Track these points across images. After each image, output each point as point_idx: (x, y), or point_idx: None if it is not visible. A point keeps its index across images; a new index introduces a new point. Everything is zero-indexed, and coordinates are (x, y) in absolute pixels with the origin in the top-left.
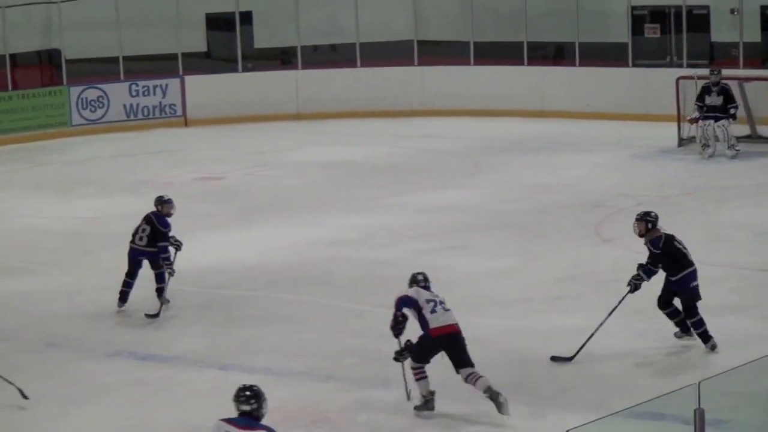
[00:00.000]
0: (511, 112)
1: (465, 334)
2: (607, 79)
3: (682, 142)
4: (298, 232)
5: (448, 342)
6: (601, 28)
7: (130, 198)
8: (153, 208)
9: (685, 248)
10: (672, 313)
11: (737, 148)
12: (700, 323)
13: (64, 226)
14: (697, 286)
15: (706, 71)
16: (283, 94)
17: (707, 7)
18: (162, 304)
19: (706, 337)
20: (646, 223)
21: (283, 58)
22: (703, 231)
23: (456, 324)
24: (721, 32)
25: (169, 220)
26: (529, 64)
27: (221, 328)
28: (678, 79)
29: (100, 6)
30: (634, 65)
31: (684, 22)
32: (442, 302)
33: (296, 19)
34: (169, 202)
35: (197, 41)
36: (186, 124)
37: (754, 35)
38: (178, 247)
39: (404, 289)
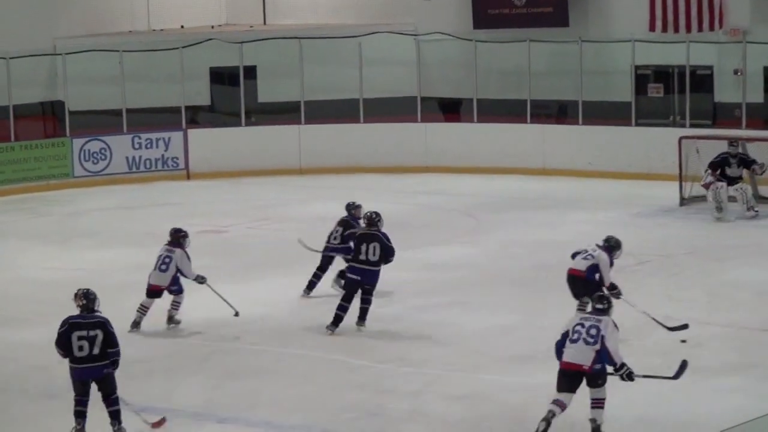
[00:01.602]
0: (514, 170)
1: (465, 390)
2: (610, 137)
3: (683, 201)
4: (301, 286)
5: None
6: (604, 86)
7: (131, 250)
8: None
9: None
10: None
11: (756, 209)
12: None
13: (65, 277)
14: None
15: (708, 131)
16: (286, 148)
17: (711, 68)
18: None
19: None
20: None
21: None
22: (704, 290)
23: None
24: (724, 92)
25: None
26: (532, 121)
27: (221, 381)
28: (680, 138)
29: (104, 59)
30: (637, 124)
31: (687, 82)
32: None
33: (300, 74)
34: (360, 206)
35: (201, 95)
36: (188, 177)
37: (757, 96)
38: None
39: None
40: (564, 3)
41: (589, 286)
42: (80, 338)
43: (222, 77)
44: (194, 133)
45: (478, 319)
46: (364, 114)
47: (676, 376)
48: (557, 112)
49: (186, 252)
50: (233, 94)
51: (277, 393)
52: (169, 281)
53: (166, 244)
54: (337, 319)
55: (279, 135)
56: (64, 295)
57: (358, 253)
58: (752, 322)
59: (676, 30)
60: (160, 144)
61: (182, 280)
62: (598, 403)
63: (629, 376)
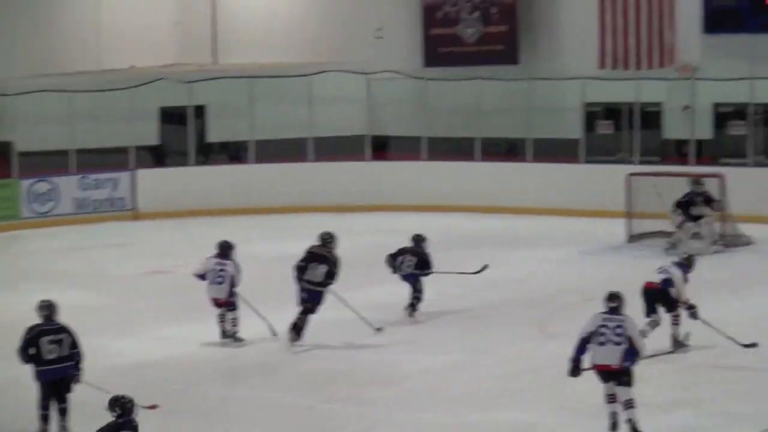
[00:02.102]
0: (463, 208)
1: (408, 430)
2: (559, 175)
3: (632, 238)
4: (249, 325)
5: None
6: (554, 124)
7: (79, 292)
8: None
9: None
10: None
11: (720, 243)
12: None
13: (11, 319)
14: None
15: (657, 168)
16: (235, 188)
17: (660, 104)
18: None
19: None
20: None
21: (234, 154)
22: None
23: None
24: (673, 129)
25: None
26: (482, 159)
27: (167, 423)
28: (629, 175)
29: (53, 99)
30: (587, 161)
31: (637, 118)
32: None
33: (250, 114)
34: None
35: (150, 134)
36: (136, 217)
37: (706, 132)
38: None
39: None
40: (514, 41)
41: (664, 298)
42: (50, 342)
43: (172, 117)
44: (143, 173)
45: (424, 358)
46: (314, 153)
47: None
48: (507, 150)
49: (237, 263)
50: (183, 134)
51: None
52: (227, 293)
53: (215, 257)
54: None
55: (228, 174)
56: (10, 338)
57: (303, 271)
58: (698, 359)
59: (626, 67)
60: (109, 184)
61: None
62: (629, 404)
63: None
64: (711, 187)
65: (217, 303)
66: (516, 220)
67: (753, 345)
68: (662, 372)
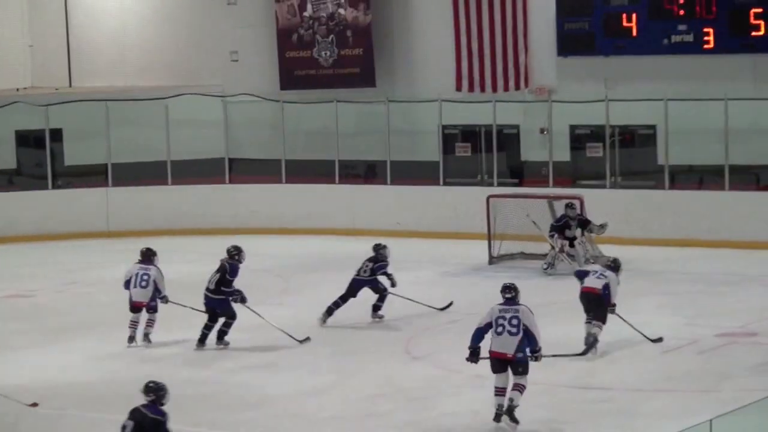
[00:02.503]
0: (323, 230)
1: None
2: (418, 197)
3: (492, 260)
4: (108, 349)
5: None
6: (412, 146)
7: None
8: None
9: None
10: None
11: (592, 261)
12: None
13: None
14: None
15: (516, 190)
16: (93, 211)
17: (517, 127)
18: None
19: None
20: None
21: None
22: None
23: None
24: (531, 151)
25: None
26: (340, 182)
27: None
28: (488, 197)
29: None
30: (445, 183)
31: (494, 140)
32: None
33: (107, 137)
34: (385, 246)
35: (6, 158)
36: None
37: (563, 154)
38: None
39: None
40: (371, 64)
41: (602, 302)
42: None
43: (28, 140)
44: (0, 197)
45: (290, 381)
46: (171, 176)
47: (584, 353)
48: (365, 173)
49: (159, 269)
50: (39, 157)
51: None
52: (149, 297)
53: (138, 263)
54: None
55: (86, 198)
56: None
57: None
58: (563, 380)
59: (483, 89)
60: None
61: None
62: (518, 387)
63: (537, 359)
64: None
65: (140, 306)
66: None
67: (659, 340)
68: (528, 393)
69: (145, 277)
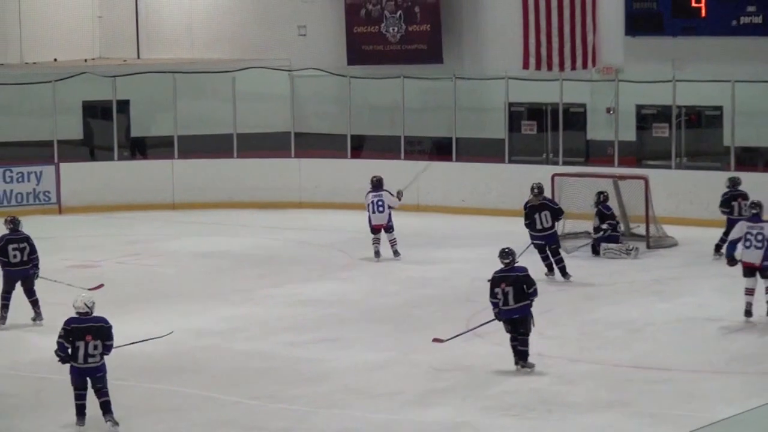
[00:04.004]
0: None
1: (335, 427)
2: (484, 174)
3: None
4: (171, 321)
5: None
6: (478, 123)
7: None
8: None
9: None
10: None
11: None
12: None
13: None
14: None
15: (581, 168)
16: (158, 183)
17: (584, 105)
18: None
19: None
20: None
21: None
22: (574, 327)
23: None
24: (597, 130)
25: None
26: (405, 158)
27: (91, 418)
28: (553, 176)
29: None
30: (511, 161)
31: (561, 119)
32: None
33: (174, 109)
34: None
35: (74, 128)
36: (60, 211)
37: (629, 134)
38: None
39: None
40: (438, 40)
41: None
42: (14, 249)
43: (95, 111)
44: (66, 167)
45: (349, 356)
46: (237, 149)
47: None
48: (431, 149)
49: (389, 191)
50: (106, 128)
51: (148, 429)
52: (386, 219)
53: (371, 192)
54: None
55: (152, 169)
56: None
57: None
58: (622, 360)
59: (550, 68)
60: (32, 178)
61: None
62: None
63: None
64: (635, 188)
65: (379, 228)
66: (440, 220)
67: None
68: (589, 373)
69: (380, 203)
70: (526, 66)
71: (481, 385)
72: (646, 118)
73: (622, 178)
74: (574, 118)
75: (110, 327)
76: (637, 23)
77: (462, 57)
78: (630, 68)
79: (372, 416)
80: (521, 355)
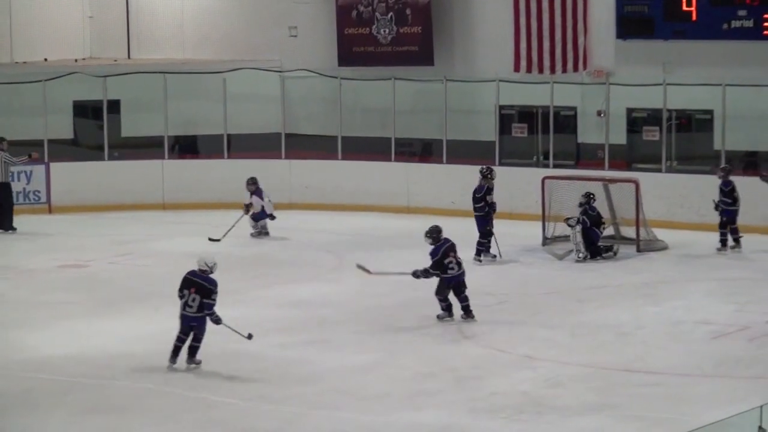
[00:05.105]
0: (378, 208)
1: (324, 428)
2: (474, 176)
3: (546, 241)
4: (162, 321)
5: None
6: (468, 126)
7: None
8: None
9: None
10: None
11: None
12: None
13: None
14: None
15: (571, 172)
16: (149, 183)
17: (575, 108)
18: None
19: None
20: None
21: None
22: (564, 330)
23: None
24: (587, 133)
25: None
26: (396, 160)
27: (80, 417)
28: (543, 179)
29: None
30: (501, 164)
31: (551, 122)
32: None
33: (164, 109)
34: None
35: (64, 128)
36: (50, 210)
37: (620, 137)
38: None
39: None
40: (429, 42)
41: None
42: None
43: (85, 111)
44: (57, 167)
45: (339, 358)
46: (228, 150)
47: None
48: (421, 151)
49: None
50: (96, 128)
51: (137, 430)
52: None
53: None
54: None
55: (142, 170)
56: None
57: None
58: (612, 363)
59: (541, 71)
60: (22, 177)
61: None
62: None
63: None
64: (625, 192)
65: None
66: (429, 221)
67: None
68: (579, 376)
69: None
70: (517, 68)
71: (470, 387)
72: (636, 121)
73: (613, 181)
74: (565, 121)
75: (212, 289)
76: (628, 26)
77: (453, 59)
78: (621, 71)
79: (361, 418)
80: (469, 311)
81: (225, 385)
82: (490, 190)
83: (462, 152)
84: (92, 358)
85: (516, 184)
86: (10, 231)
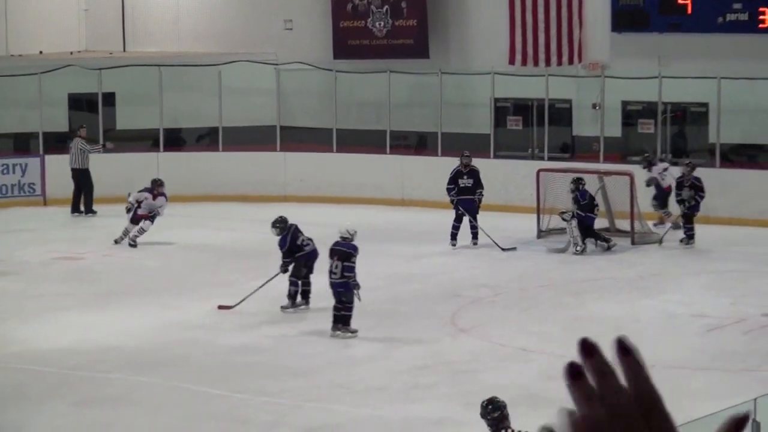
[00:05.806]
0: (373, 200)
1: (320, 421)
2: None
3: (541, 233)
4: (156, 314)
5: None
6: (463, 118)
7: None
8: None
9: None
10: None
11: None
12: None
13: None
14: None
15: (566, 164)
16: (144, 175)
17: (569, 101)
18: None
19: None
20: None
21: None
22: (559, 323)
23: None
24: (582, 126)
25: None
26: (391, 152)
27: (74, 409)
28: (538, 171)
29: None
30: (496, 156)
31: (546, 115)
32: None
33: (159, 102)
34: None
35: (59, 121)
36: (45, 203)
37: (614, 130)
38: None
39: None
40: (424, 35)
41: None
42: None
43: (80, 103)
44: (52, 159)
45: (335, 350)
46: (223, 142)
47: None
48: (417, 144)
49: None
50: (92, 121)
51: (130, 422)
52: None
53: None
54: None
55: (137, 162)
56: None
57: None
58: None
59: (536, 64)
60: (17, 170)
61: None
62: None
63: None
64: (620, 184)
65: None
66: (424, 214)
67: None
68: None
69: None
70: (512, 62)
71: (465, 380)
72: (631, 114)
73: (608, 174)
74: (560, 113)
75: (351, 252)
76: (624, 19)
77: (448, 52)
78: (616, 64)
79: (356, 411)
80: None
81: (220, 378)
82: (461, 174)
83: (457, 145)
84: (86, 350)
85: (511, 177)
86: (89, 214)
